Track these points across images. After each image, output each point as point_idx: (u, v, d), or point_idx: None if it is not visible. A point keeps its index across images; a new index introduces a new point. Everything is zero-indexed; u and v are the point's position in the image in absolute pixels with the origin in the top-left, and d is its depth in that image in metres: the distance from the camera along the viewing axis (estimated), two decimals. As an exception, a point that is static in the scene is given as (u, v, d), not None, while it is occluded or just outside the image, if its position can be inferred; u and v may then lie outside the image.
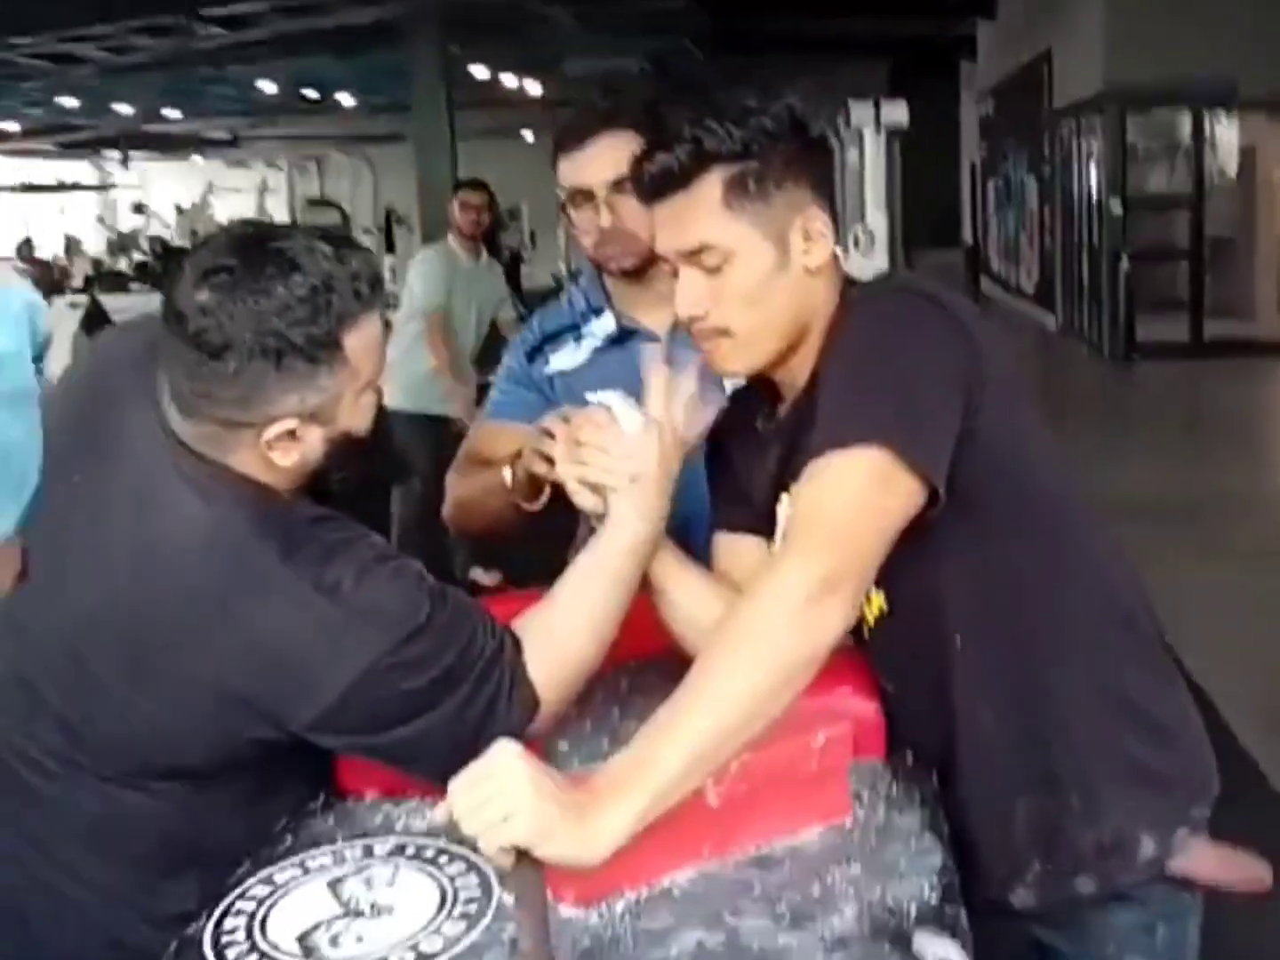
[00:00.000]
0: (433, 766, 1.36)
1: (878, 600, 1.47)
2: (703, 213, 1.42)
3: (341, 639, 1.34)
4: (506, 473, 1.85)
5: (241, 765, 1.43)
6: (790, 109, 1.44)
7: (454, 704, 1.38)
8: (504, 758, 1.13)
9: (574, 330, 2.17)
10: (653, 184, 1.45)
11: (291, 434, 1.39)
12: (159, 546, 1.38)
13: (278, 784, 1.48)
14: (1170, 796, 1.48)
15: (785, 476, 1.50)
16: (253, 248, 1.37)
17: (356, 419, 1.45)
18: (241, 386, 1.35)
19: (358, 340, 1.39)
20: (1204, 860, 1.49)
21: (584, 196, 2.03)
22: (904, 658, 1.50)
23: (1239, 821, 1.55)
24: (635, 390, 1.95)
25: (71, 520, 1.42)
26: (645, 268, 2.01)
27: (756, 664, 1.19)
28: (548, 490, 1.75)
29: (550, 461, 1.56)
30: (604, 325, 2.14)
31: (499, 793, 1.11)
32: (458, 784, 1.13)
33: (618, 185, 1.97)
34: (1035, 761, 1.46)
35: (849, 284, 1.50)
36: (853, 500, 1.26)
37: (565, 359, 2.15)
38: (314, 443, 1.42)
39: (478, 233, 5.85)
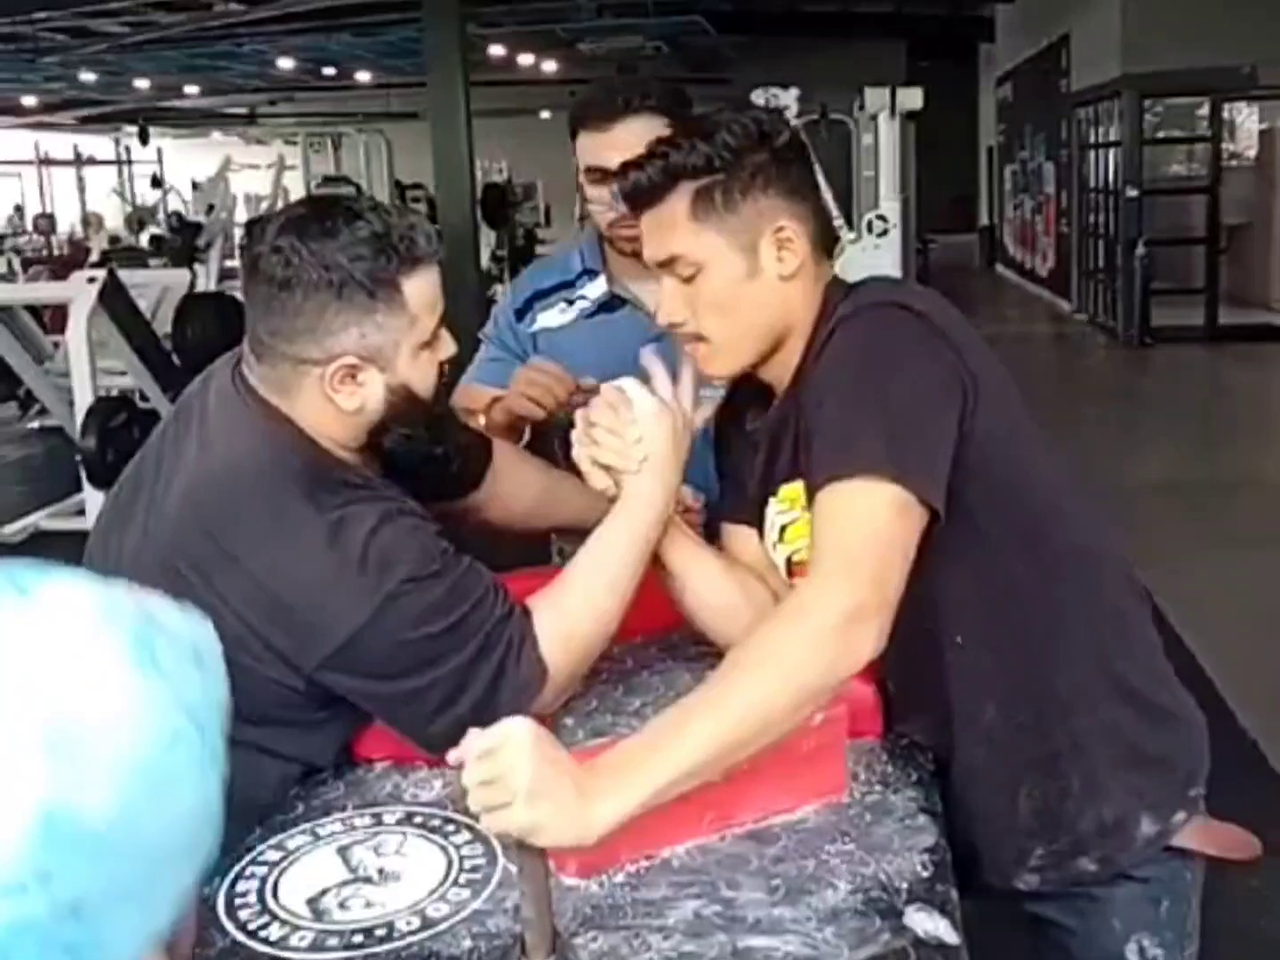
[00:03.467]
0: (440, 728, 1.41)
1: None
2: (673, 225, 1.46)
3: (351, 582, 1.41)
4: (481, 419, 1.93)
5: (272, 720, 1.47)
6: (757, 122, 1.47)
7: (461, 660, 1.43)
8: (513, 738, 1.12)
9: (566, 289, 2.20)
10: (630, 199, 1.51)
11: (353, 374, 1.48)
12: (205, 478, 1.50)
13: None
14: (1168, 778, 1.52)
15: (768, 480, 1.54)
16: (324, 201, 1.57)
17: (416, 374, 1.53)
18: (307, 317, 1.46)
19: (415, 287, 1.49)
20: (1196, 834, 1.53)
21: (603, 175, 2.02)
22: (902, 657, 1.52)
23: (1237, 801, 1.59)
24: (616, 358, 2.00)
25: (147, 469, 1.58)
26: None
27: (777, 687, 1.21)
28: (526, 431, 1.87)
29: (534, 402, 1.75)
30: (596, 288, 2.18)
31: (505, 774, 1.10)
32: (467, 751, 1.13)
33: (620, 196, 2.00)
34: (1037, 748, 1.49)
35: (836, 284, 1.51)
36: (876, 533, 1.28)
37: (553, 318, 2.19)
38: (375, 389, 1.50)
39: None
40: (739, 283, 1.46)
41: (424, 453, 1.58)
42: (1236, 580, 5.20)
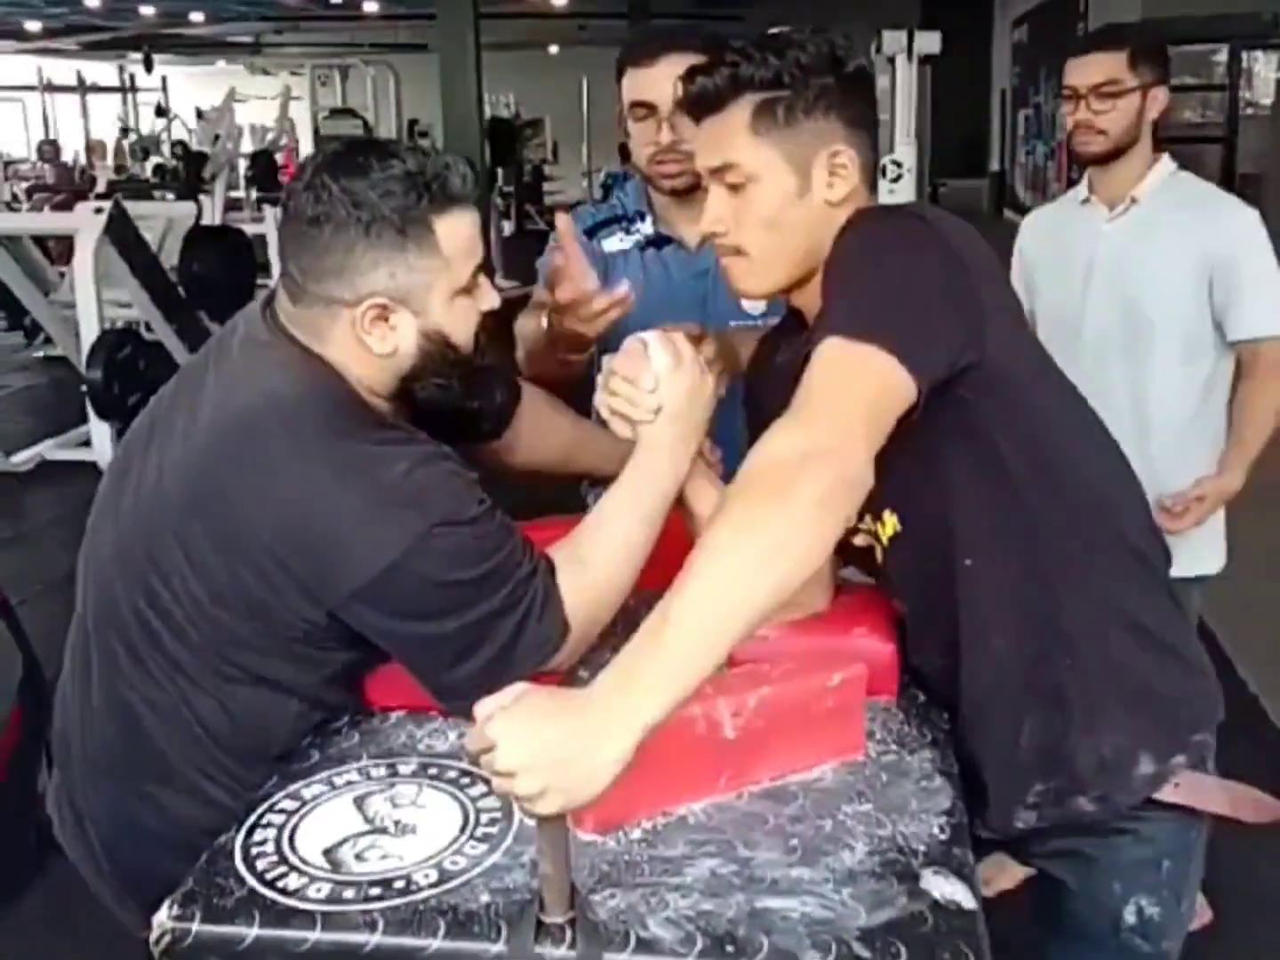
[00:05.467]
0: (455, 678, 1.43)
1: (892, 521, 1.49)
2: (731, 134, 1.48)
3: (386, 516, 1.40)
4: (544, 319, 1.92)
5: (290, 656, 1.49)
6: (831, 44, 1.47)
7: (487, 610, 1.43)
8: (505, 732, 1.07)
9: (621, 222, 2.29)
10: (692, 105, 1.52)
11: (384, 314, 1.47)
12: (235, 410, 1.48)
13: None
14: (1171, 720, 1.52)
15: None
16: (360, 142, 1.53)
17: (452, 321, 1.51)
18: (336, 255, 1.45)
19: (449, 228, 1.48)
20: (1211, 794, 1.53)
21: (647, 110, 2.12)
22: (916, 579, 1.53)
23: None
24: (664, 292, 2.03)
25: (172, 414, 1.55)
26: (694, 187, 2.09)
27: (738, 536, 1.12)
28: (592, 350, 1.88)
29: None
30: (645, 228, 2.28)
31: (520, 769, 1.06)
32: (472, 745, 1.09)
33: (681, 103, 2.02)
34: (1042, 680, 1.48)
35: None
36: (830, 378, 1.25)
37: (614, 244, 2.28)
38: (408, 332, 1.49)
39: None
40: (787, 201, 1.47)
41: (456, 405, 1.57)
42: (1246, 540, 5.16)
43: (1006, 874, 2.18)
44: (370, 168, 1.44)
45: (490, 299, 1.56)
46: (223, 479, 1.45)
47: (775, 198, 1.47)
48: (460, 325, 1.52)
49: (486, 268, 1.57)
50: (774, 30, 1.51)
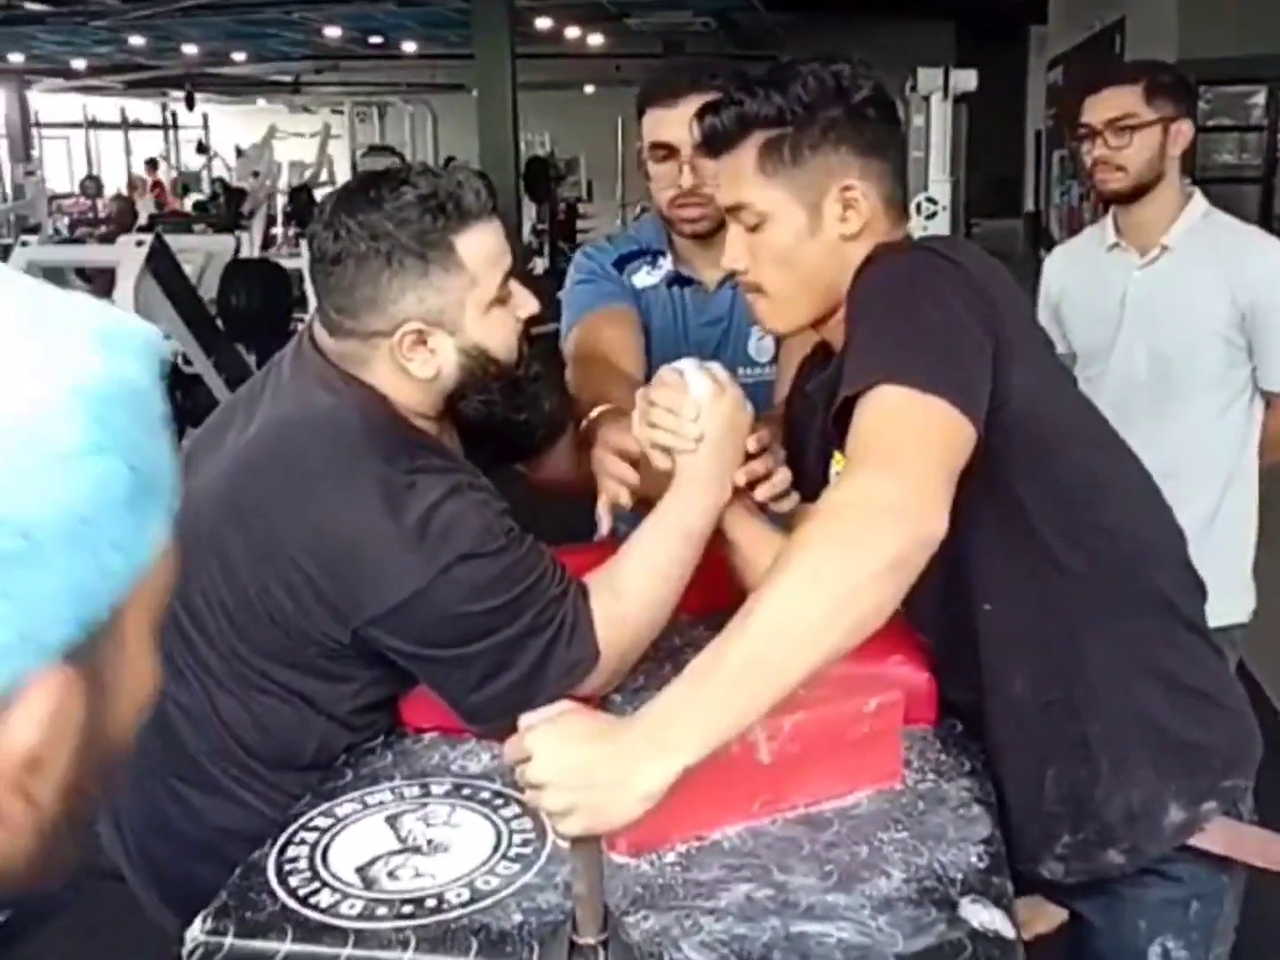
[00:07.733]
0: (481, 700, 1.43)
1: None
2: (741, 174, 1.46)
3: (411, 547, 1.40)
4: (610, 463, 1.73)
5: (317, 672, 1.49)
6: (836, 75, 1.43)
7: (510, 635, 1.43)
8: (543, 746, 1.07)
9: (646, 255, 2.21)
10: (705, 144, 1.51)
11: (421, 339, 1.48)
12: (278, 421, 1.50)
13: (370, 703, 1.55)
14: (1201, 767, 1.48)
15: (830, 438, 1.50)
16: (372, 174, 1.54)
17: (490, 335, 1.52)
18: (364, 289, 1.45)
19: (470, 245, 1.48)
20: (1246, 842, 1.49)
21: (667, 152, 2.07)
22: (938, 616, 1.50)
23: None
24: (682, 332, 2.01)
25: (226, 428, 1.57)
26: (716, 230, 2.04)
27: (805, 586, 1.09)
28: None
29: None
30: (667, 265, 2.21)
31: (550, 785, 1.06)
32: (510, 753, 1.10)
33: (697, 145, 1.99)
34: (1066, 729, 1.45)
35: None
36: (901, 430, 1.21)
37: (642, 278, 2.21)
38: (447, 353, 1.50)
39: None
40: (800, 238, 1.45)
41: (504, 419, 1.57)
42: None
43: (1044, 917, 2.15)
44: (383, 198, 1.45)
45: (528, 305, 1.56)
46: (260, 489, 1.46)
47: (787, 236, 1.45)
48: (498, 337, 1.53)
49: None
50: (785, 62, 1.48)
